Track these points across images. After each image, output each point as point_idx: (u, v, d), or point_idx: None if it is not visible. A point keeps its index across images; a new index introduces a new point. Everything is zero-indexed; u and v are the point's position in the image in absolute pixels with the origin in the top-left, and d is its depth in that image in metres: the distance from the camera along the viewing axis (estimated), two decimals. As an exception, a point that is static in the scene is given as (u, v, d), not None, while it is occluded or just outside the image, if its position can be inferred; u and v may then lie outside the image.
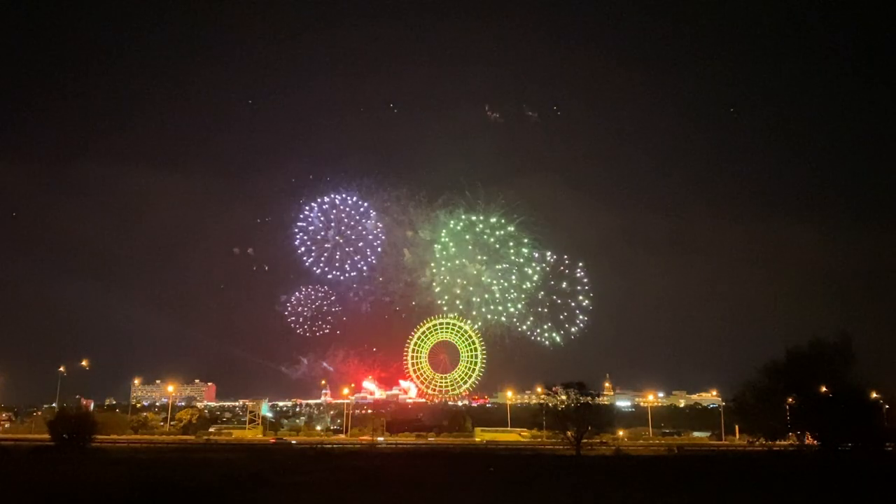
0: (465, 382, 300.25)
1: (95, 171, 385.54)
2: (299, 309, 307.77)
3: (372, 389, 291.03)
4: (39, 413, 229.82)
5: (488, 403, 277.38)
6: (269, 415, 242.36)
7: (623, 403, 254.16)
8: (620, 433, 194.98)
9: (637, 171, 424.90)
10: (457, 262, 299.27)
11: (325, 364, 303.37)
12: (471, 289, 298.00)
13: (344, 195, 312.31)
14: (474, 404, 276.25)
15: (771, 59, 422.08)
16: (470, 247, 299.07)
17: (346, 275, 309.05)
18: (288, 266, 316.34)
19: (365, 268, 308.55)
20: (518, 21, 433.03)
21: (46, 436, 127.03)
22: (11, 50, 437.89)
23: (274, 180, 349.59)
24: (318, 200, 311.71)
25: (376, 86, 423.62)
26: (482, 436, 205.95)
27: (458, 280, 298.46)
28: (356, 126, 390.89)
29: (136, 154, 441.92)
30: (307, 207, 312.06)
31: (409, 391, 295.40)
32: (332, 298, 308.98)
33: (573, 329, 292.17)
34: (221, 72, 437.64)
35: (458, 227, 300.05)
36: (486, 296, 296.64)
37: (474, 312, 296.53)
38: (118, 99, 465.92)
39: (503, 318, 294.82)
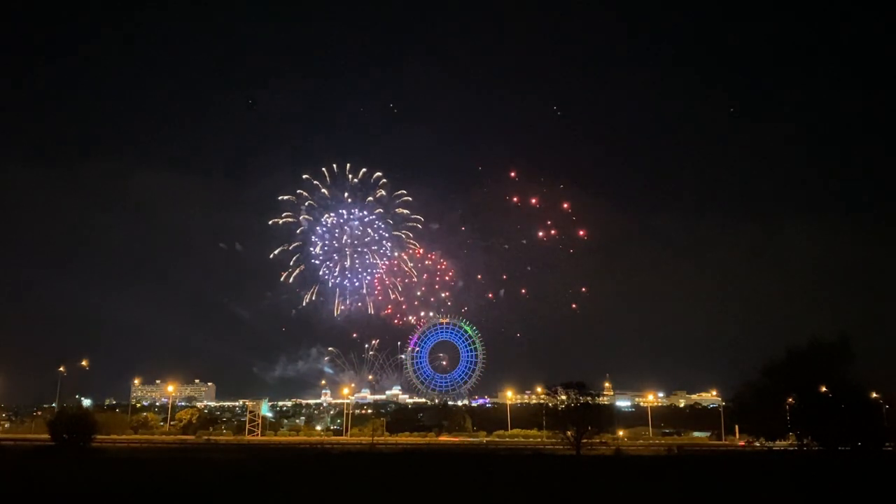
0: (465, 382, 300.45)
1: (95, 171, 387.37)
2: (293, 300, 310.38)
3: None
4: (39, 413, 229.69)
5: (488, 403, 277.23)
6: (269, 415, 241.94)
7: (623, 403, 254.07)
8: (620, 433, 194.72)
9: (639, 172, 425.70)
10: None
11: (325, 367, 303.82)
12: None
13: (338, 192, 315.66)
14: (474, 404, 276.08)
15: (772, 59, 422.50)
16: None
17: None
18: (285, 265, 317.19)
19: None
20: (519, 21, 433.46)
21: (46, 436, 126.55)
22: (15, 51, 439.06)
23: (275, 180, 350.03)
24: (311, 198, 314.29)
25: (377, 85, 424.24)
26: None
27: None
28: (356, 125, 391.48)
29: (137, 155, 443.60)
30: (304, 207, 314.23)
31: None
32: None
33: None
34: (222, 72, 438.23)
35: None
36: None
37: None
38: (120, 100, 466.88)
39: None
